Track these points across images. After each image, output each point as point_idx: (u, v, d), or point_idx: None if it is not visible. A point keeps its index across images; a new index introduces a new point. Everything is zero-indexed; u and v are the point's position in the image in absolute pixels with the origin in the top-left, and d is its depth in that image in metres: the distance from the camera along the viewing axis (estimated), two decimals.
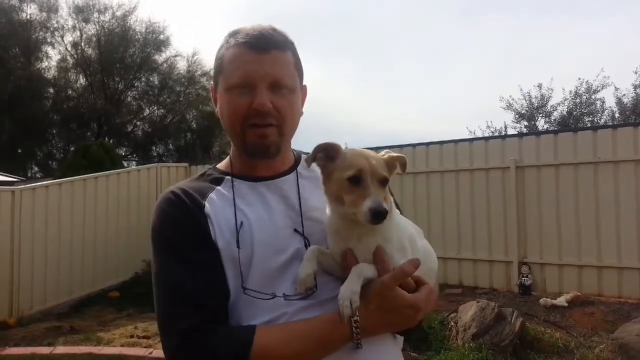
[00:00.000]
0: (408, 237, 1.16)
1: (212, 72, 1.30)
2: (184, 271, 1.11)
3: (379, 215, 1.01)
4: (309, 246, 1.16)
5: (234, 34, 1.21)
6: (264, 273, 1.12)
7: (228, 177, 1.24)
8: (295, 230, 1.17)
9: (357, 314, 1.02)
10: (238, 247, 1.12)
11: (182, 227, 1.15)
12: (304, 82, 1.29)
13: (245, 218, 1.16)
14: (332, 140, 1.12)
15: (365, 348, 1.06)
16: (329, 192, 1.12)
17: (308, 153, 1.28)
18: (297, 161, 1.32)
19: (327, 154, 1.12)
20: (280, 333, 1.06)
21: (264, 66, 1.15)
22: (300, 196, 1.22)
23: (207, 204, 1.17)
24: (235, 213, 1.16)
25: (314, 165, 1.16)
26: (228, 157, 1.31)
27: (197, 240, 1.13)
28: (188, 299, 1.08)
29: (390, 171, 1.13)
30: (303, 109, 1.29)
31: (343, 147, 1.14)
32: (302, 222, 1.19)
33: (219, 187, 1.22)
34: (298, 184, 1.24)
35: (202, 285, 1.09)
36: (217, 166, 1.32)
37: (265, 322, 1.08)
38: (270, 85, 1.16)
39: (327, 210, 1.16)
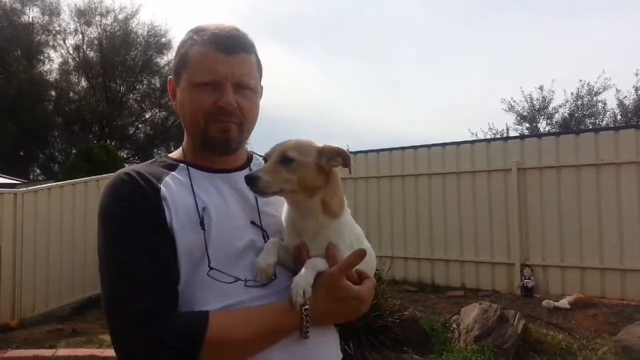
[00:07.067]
0: (356, 237, 1.26)
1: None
2: (136, 253, 1.07)
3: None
4: (267, 237, 1.19)
5: (198, 31, 1.22)
6: (222, 259, 1.12)
7: (182, 164, 1.24)
8: (253, 222, 1.20)
9: (309, 303, 1.07)
10: (203, 229, 1.11)
11: (136, 208, 1.12)
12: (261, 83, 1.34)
13: (203, 204, 1.16)
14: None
15: (311, 339, 1.10)
16: None
17: (257, 154, 1.36)
18: (249, 159, 1.36)
19: None
20: (233, 319, 1.06)
21: (231, 67, 1.18)
22: None
23: (162, 187, 1.15)
24: (194, 197, 1.16)
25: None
26: (180, 148, 1.31)
27: (151, 223, 1.10)
28: (140, 282, 1.05)
29: (328, 160, 1.16)
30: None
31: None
32: (259, 215, 1.22)
33: (173, 173, 1.21)
34: None
35: (155, 268, 1.06)
36: (169, 155, 1.31)
37: (222, 307, 1.08)
38: (235, 85, 1.19)
39: (285, 205, 1.22)
